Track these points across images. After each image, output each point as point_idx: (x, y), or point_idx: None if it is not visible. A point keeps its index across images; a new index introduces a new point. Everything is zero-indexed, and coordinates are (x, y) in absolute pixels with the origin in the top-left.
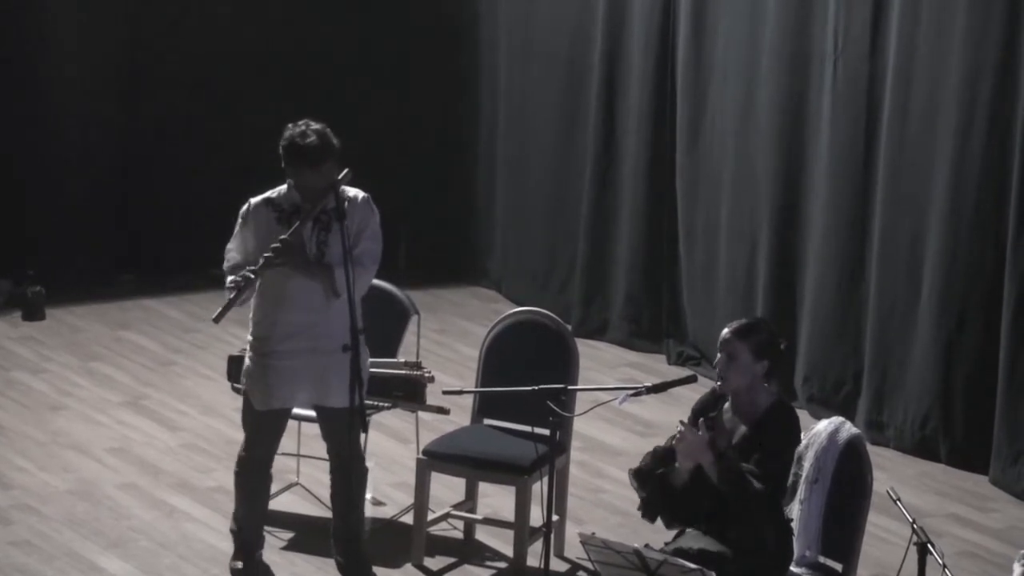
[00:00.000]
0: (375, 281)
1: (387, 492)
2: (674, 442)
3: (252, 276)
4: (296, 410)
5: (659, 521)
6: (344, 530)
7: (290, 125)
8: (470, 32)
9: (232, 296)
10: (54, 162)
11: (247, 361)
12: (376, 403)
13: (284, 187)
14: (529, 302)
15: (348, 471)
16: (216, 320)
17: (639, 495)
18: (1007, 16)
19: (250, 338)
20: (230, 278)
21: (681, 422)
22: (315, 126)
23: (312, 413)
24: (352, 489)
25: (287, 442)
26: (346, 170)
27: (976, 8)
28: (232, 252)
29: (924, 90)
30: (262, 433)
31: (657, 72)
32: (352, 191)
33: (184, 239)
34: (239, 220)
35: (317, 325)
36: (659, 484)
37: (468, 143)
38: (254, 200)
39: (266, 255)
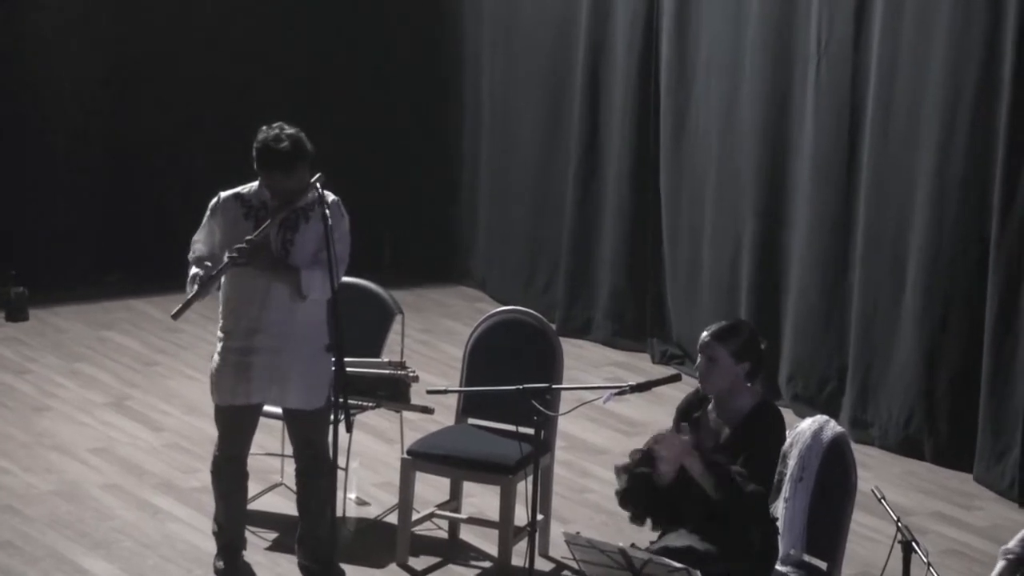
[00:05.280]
0: (359, 281)
1: (371, 492)
2: (653, 447)
3: (214, 275)
4: (275, 409)
5: (647, 521)
6: (311, 537)
7: (264, 128)
8: (453, 30)
9: (193, 294)
10: (37, 162)
11: (215, 356)
12: (360, 403)
13: (255, 184)
14: (513, 301)
15: (313, 475)
16: (175, 316)
17: (619, 486)
18: (990, 13)
19: (219, 333)
20: (192, 271)
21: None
22: (289, 130)
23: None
24: (319, 494)
25: (270, 442)
26: (319, 174)
27: (959, 6)
28: (199, 244)
29: (907, 88)
30: (230, 431)
31: (641, 71)
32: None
33: (167, 239)
34: (208, 212)
35: (281, 323)
36: (642, 481)
37: (451, 142)
38: (224, 194)
39: (230, 255)
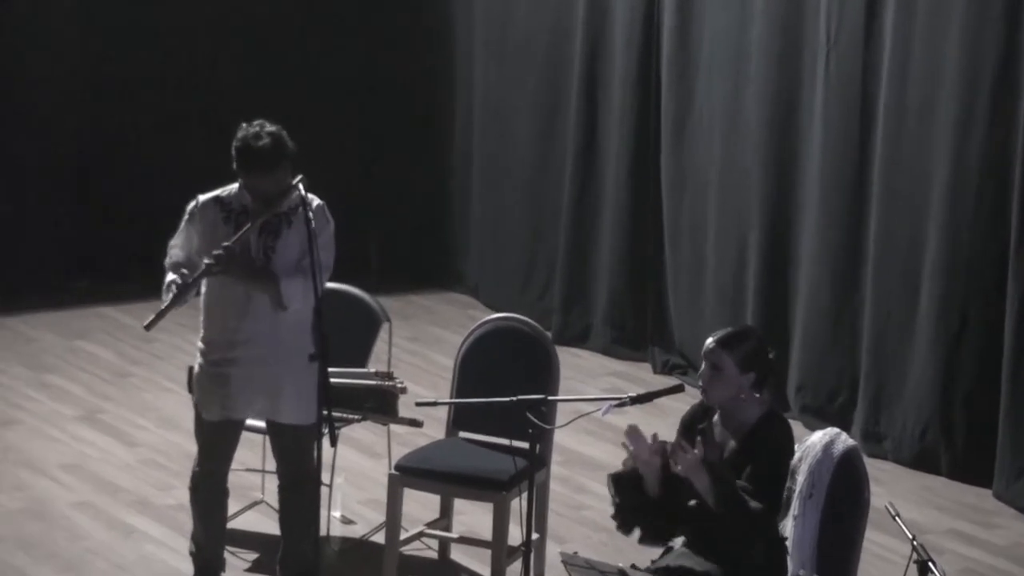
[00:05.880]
0: (343, 286)
1: (357, 510)
2: (629, 452)
3: (190, 282)
4: (256, 423)
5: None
6: (294, 556)
7: (244, 125)
8: (445, 25)
9: (167, 303)
10: (4, 165)
11: (196, 368)
12: (345, 416)
13: (235, 186)
14: (507, 308)
15: (296, 492)
16: (147, 327)
17: (613, 501)
18: (1007, 3)
19: (200, 344)
20: (168, 278)
21: (654, 437)
22: (270, 128)
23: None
24: (303, 512)
25: (251, 457)
26: (300, 176)
27: None
28: (175, 249)
29: (921, 83)
30: (212, 446)
31: (641, 66)
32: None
33: (142, 243)
34: (186, 216)
35: (264, 334)
36: (635, 490)
37: (442, 141)
38: (202, 197)
39: (207, 261)
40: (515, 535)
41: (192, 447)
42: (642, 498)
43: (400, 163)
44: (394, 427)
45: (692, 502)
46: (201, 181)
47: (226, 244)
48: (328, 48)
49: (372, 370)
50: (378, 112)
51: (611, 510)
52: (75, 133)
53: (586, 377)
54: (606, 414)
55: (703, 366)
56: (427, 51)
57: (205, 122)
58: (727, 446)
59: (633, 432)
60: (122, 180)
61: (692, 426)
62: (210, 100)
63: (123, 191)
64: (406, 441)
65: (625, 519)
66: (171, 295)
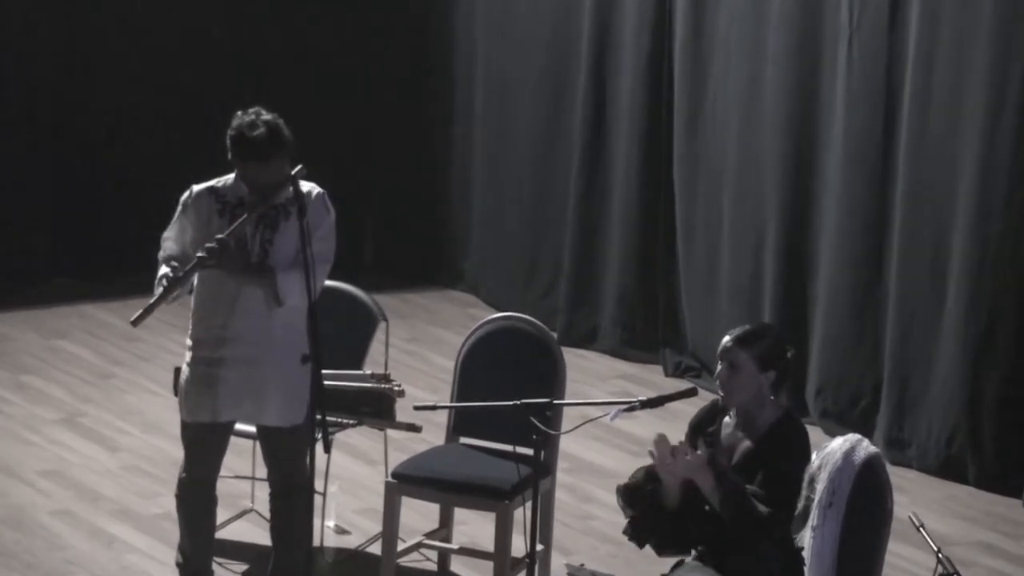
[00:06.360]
0: (338, 284)
1: (352, 519)
2: (655, 460)
3: (181, 276)
4: (247, 428)
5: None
6: (285, 568)
7: (239, 113)
8: (443, 9)
9: (156, 298)
10: None
11: (183, 368)
12: (340, 420)
13: (230, 177)
14: (510, 307)
15: (288, 500)
16: (134, 322)
17: (625, 515)
18: None
19: (188, 342)
20: (161, 271)
21: (660, 435)
22: (266, 116)
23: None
24: (294, 521)
25: (241, 464)
26: (299, 166)
27: None
28: (169, 241)
29: (949, 70)
30: (199, 451)
31: (652, 51)
32: (306, 186)
33: (125, 238)
34: (179, 207)
35: (253, 332)
36: (649, 503)
37: (441, 131)
38: (196, 187)
39: (199, 255)
40: (518, 546)
41: (178, 452)
42: (657, 509)
43: (397, 154)
44: (391, 432)
45: (707, 507)
46: (189, 175)
47: (219, 236)
48: (324, 37)
49: (368, 372)
50: (373, 103)
51: (621, 522)
52: (52, 113)
53: (594, 380)
54: (615, 419)
55: (720, 367)
56: (426, 39)
57: (197, 103)
58: (737, 449)
59: (662, 442)
60: (106, 167)
61: (700, 429)
62: (199, 79)
63: (107, 179)
64: (404, 447)
65: (639, 532)
66: (160, 289)
